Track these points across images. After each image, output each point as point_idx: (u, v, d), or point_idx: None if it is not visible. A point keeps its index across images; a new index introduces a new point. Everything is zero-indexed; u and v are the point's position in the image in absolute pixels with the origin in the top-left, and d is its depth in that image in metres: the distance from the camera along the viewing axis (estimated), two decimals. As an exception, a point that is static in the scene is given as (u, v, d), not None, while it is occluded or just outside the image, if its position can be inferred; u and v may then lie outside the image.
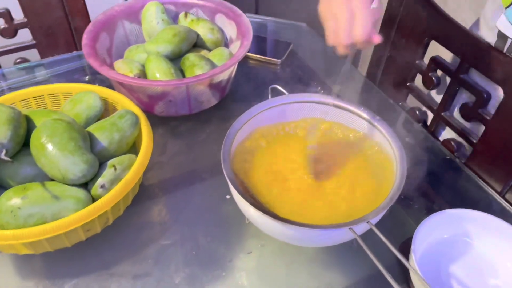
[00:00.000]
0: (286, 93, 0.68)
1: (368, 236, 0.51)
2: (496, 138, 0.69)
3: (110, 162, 0.59)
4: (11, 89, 0.87)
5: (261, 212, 0.50)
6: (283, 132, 0.66)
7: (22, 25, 0.95)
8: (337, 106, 0.65)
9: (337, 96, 0.67)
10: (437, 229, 0.58)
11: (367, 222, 0.50)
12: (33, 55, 1.00)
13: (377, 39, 0.50)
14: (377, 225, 0.55)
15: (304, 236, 0.52)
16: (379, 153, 0.61)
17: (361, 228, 0.51)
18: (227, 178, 0.54)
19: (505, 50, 0.65)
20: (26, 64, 0.91)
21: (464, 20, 1.41)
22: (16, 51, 0.97)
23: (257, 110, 0.63)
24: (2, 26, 0.93)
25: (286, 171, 0.60)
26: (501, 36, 0.65)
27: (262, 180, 0.59)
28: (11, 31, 0.93)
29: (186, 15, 0.85)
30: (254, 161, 0.62)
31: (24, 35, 0.97)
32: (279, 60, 0.93)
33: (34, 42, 0.98)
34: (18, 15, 0.95)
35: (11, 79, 0.89)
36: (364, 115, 0.63)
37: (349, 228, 0.49)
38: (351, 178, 0.60)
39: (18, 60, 0.99)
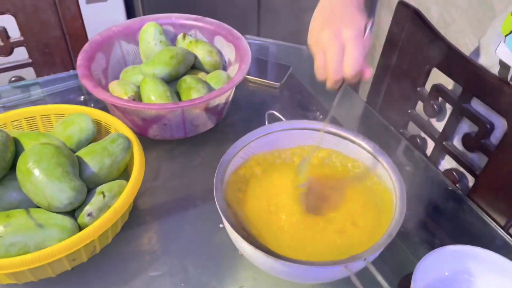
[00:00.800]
0: (284, 119, 0.66)
1: (365, 272, 0.49)
2: (499, 170, 0.66)
3: (99, 188, 0.57)
4: (5, 107, 0.85)
5: (253, 246, 0.48)
6: (279, 159, 0.65)
7: (19, 44, 0.94)
8: (335, 134, 0.63)
9: (335, 123, 0.65)
10: (438, 266, 0.55)
11: (364, 260, 0.48)
12: (29, 73, 0.99)
13: (368, 73, 0.48)
14: (376, 260, 0.53)
15: (298, 273, 0.50)
16: (378, 185, 0.59)
17: (358, 265, 0.49)
18: (219, 209, 0.52)
19: (509, 78, 0.64)
20: (22, 83, 0.90)
21: (466, 44, 1.40)
22: (12, 69, 0.96)
23: (252, 137, 0.62)
24: (-2, 44, 0.92)
25: (281, 202, 0.58)
26: (503, 65, 0.64)
27: (256, 211, 0.57)
28: (7, 49, 0.92)
29: (184, 36, 0.84)
30: (248, 191, 0.60)
31: (20, 54, 0.96)
32: (278, 84, 0.92)
33: (30, 60, 0.97)
34: (15, 34, 0.94)
35: (6, 98, 0.87)
36: (364, 144, 0.61)
37: (345, 266, 0.47)
38: (348, 210, 0.58)
39: (13, 79, 0.98)
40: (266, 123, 0.65)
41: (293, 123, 0.64)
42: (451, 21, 1.48)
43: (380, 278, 0.46)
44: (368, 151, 0.61)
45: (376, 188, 0.59)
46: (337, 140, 0.63)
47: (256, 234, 0.54)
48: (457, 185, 0.74)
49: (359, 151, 0.62)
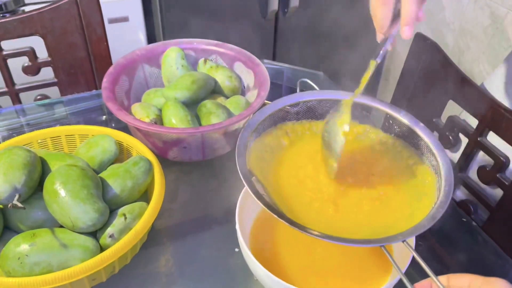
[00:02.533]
0: (317, 88, 0.64)
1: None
2: (514, 204, 0.67)
3: (120, 210, 0.58)
4: (29, 125, 0.88)
5: (266, 271, 0.48)
6: (309, 132, 0.60)
7: (46, 64, 0.97)
8: (373, 108, 0.58)
9: (374, 97, 0.61)
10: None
11: (403, 242, 0.44)
12: (53, 92, 1.03)
13: (422, 15, 0.49)
14: None
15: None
16: (418, 165, 0.55)
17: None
18: (241, 175, 0.49)
19: None
20: (46, 101, 0.93)
21: (481, 72, 1.41)
22: (38, 88, 0.99)
23: (281, 104, 0.57)
24: (26, 64, 0.96)
25: (308, 173, 0.55)
26: None
27: (280, 182, 0.54)
28: (35, 69, 0.96)
29: (205, 61, 0.87)
30: (273, 161, 0.55)
31: (47, 73, 1.00)
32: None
33: (55, 80, 1.00)
34: (43, 54, 0.97)
35: (30, 115, 0.90)
36: (405, 120, 0.56)
37: (381, 246, 0.44)
38: (385, 191, 0.54)
39: (38, 97, 1.01)
40: (298, 90, 0.62)
41: (327, 93, 0.59)
42: (466, 49, 1.50)
43: (423, 265, 0.43)
44: (409, 128, 0.56)
45: (417, 169, 0.55)
46: (375, 115, 0.59)
47: (280, 206, 0.50)
48: (471, 216, 0.75)
49: (399, 127, 0.57)
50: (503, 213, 0.69)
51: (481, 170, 0.72)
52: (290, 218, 0.46)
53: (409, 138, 0.57)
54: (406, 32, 0.48)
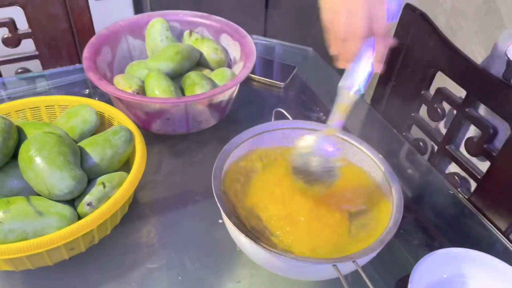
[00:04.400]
0: (290, 118, 0.66)
1: (359, 274, 0.48)
2: (501, 175, 0.66)
3: (99, 179, 0.57)
4: (11, 98, 0.86)
5: (244, 234, 0.48)
6: (281, 157, 0.64)
7: (26, 36, 0.95)
8: (342, 139, 0.62)
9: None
10: (436, 268, 0.55)
11: (353, 262, 0.47)
12: (35, 65, 1.00)
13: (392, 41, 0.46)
14: (373, 260, 0.53)
15: (286, 267, 0.50)
16: (377, 191, 0.59)
17: (347, 267, 0.49)
18: (215, 196, 0.52)
19: None
20: (28, 75, 0.90)
21: (473, 52, 1.40)
22: (18, 61, 0.97)
23: (257, 131, 0.62)
24: (6, 36, 0.93)
25: (279, 196, 0.58)
26: (510, 65, 0.64)
27: (253, 203, 0.57)
28: (15, 40, 0.93)
29: (190, 33, 0.84)
30: (246, 183, 0.59)
31: (28, 46, 0.97)
32: (283, 83, 0.92)
33: (37, 53, 0.97)
34: (23, 25, 0.94)
35: (11, 89, 0.88)
36: (366, 151, 0.61)
37: (333, 265, 0.47)
38: (346, 213, 0.57)
39: (19, 70, 0.99)
40: (273, 119, 0.65)
41: (300, 123, 0.64)
42: (458, 29, 1.48)
43: (368, 282, 0.45)
44: (371, 158, 0.60)
45: (376, 194, 0.59)
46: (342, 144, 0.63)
47: (252, 226, 0.54)
48: (458, 189, 0.74)
49: (362, 156, 0.62)
50: (489, 184, 0.68)
51: (468, 142, 0.71)
52: (252, 234, 0.50)
53: (370, 167, 0.61)
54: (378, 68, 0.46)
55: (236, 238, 0.53)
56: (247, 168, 0.61)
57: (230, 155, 0.58)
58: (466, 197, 0.71)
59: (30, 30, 0.94)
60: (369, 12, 0.45)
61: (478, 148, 0.69)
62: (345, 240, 0.54)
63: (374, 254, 0.49)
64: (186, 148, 0.77)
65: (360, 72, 0.48)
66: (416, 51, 0.80)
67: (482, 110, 0.70)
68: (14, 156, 0.57)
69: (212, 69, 0.83)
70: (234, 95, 0.79)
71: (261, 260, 0.52)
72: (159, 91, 0.72)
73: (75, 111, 0.65)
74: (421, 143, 0.84)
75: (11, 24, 0.91)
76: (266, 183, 0.59)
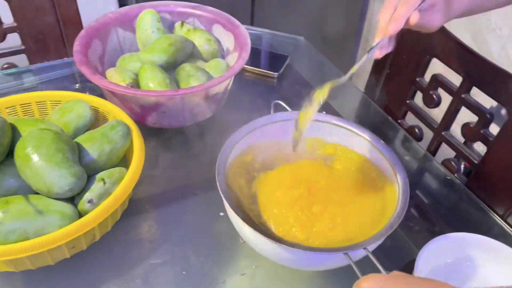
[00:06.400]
0: (289, 109, 0.66)
1: (366, 261, 0.49)
2: (498, 160, 0.67)
3: (99, 175, 0.56)
4: (-3, 95, 0.83)
5: (253, 229, 0.47)
6: (284, 151, 0.64)
7: (11, 30, 0.92)
8: (342, 127, 0.63)
9: (339, 116, 0.65)
10: (441, 253, 0.55)
11: (364, 249, 0.47)
12: (21, 60, 0.97)
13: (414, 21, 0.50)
14: (377, 247, 0.53)
15: (298, 258, 0.50)
16: (382, 177, 0.59)
17: (358, 254, 0.49)
18: (221, 192, 0.51)
19: None
20: (14, 70, 0.88)
21: (450, 27, 1.41)
22: (4, 56, 0.94)
23: (258, 125, 0.61)
24: (-10, 30, 0.90)
25: (283, 190, 0.58)
26: None
27: (258, 197, 0.57)
28: (0, 35, 0.90)
29: (182, 24, 0.83)
30: (250, 178, 0.59)
31: (13, 40, 0.94)
32: (276, 73, 0.91)
33: (23, 47, 0.94)
34: (8, 19, 0.92)
35: (-2, 85, 0.85)
36: (368, 137, 0.61)
37: (344, 253, 0.47)
38: (352, 202, 0.58)
39: (5, 66, 0.96)
40: (272, 111, 0.64)
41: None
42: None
43: (380, 267, 0.46)
44: (372, 144, 0.60)
45: (380, 181, 0.59)
46: (343, 133, 0.63)
47: (257, 221, 0.54)
48: (455, 174, 0.75)
49: (363, 144, 0.61)
50: (486, 169, 0.69)
51: (465, 127, 0.71)
52: (266, 231, 0.51)
53: (372, 153, 0.61)
54: (391, 27, 0.50)
55: (240, 229, 0.52)
56: (250, 163, 0.60)
57: (232, 150, 0.57)
58: (463, 182, 0.72)
59: (15, 24, 0.91)
60: None
61: (475, 133, 0.70)
62: (354, 227, 0.54)
63: (382, 239, 0.49)
64: (182, 141, 0.76)
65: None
66: (411, 38, 0.80)
67: (478, 95, 0.71)
68: (9, 154, 0.56)
69: (205, 61, 0.82)
70: (229, 86, 0.78)
71: (269, 252, 0.51)
72: (154, 84, 0.70)
73: (69, 106, 0.64)
74: (416, 130, 0.85)
75: (-5, 18, 0.88)
76: (271, 178, 0.59)
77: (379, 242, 0.50)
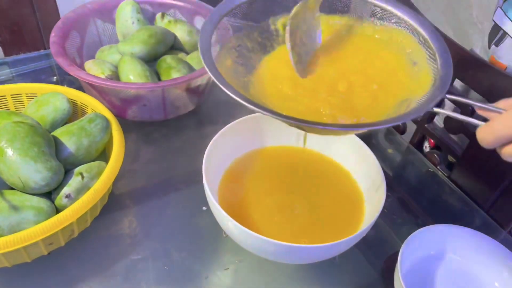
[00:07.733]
0: None
1: (349, 253, 0.48)
2: (480, 152, 0.67)
3: (77, 169, 0.54)
4: (-29, 88, 0.81)
5: (236, 223, 0.46)
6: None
7: (-14, 21, 0.89)
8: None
9: None
10: (424, 245, 0.55)
11: (432, 109, 0.42)
12: (-4, 52, 0.94)
13: None
14: (360, 240, 0.52)
15: (281, 252, 0.49)
16: (412, 49, 0.51)
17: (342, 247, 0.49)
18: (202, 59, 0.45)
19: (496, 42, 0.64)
20: (-11, 62, 0.85)
21: (433, 21, 1.41)
22: (-22, 48, 0.91)
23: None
24: (-37, 21, 0.87)
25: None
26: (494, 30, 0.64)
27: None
28: (-27, 26, 0.87)
29: (163, 16, 0.81)
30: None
31: (-13, 31, 0.91)
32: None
33: (-2, 39, 0.92)
34: (-18, 10, 0.89)
35: (-29, 78, 0.83)
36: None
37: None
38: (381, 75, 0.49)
39: (-21, 58, 0.93)
40: None
41: None
42: (426, 9, 1.50)
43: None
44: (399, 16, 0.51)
45: (412, 54, 0.51)
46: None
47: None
48: (438, 167, 0.75)
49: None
50: (468, 161, 0.69)
51: (447, 120, 0.72)
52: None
53: (400, 24, 0.52)
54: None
55: (226, 226, 0.51)
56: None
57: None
58: (446, 174, 0.72)
59: (-11, 15, 0.88)
60: None
61: (457, 125, 0.70)
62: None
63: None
64: (164, 135, 0.74)
65: None
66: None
67: (460, 87, 0.71)
68: (-18, 148, 0.54)
69: (187, 53, 0.81)
70: (211, 78, 0.76)
71: (252, 246, 0.51)
72: (134, 76, 0.69)
73: (45, 99, 0.62)
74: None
75: (-32, 9, 0.85)
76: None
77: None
